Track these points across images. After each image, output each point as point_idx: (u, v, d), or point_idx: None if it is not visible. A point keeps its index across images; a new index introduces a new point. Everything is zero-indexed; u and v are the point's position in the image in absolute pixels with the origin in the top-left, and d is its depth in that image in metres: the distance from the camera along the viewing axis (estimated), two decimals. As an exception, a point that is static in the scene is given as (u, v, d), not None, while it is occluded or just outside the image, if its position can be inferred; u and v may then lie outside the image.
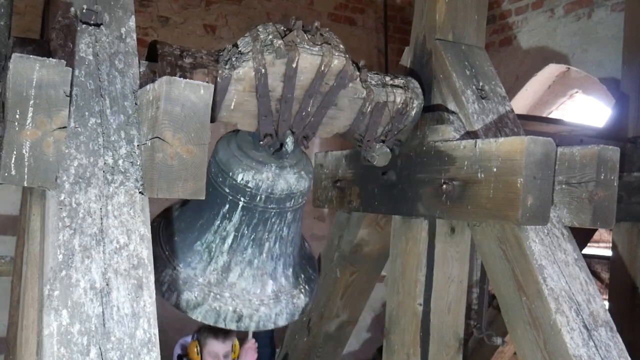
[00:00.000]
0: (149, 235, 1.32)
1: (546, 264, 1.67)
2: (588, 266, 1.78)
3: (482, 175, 1.72)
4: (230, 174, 1.91)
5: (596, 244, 4.90)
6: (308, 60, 1.71)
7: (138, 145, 1.40)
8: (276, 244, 2.04)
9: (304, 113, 1.81)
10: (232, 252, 2.00)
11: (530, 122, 2.94)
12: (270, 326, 2.05)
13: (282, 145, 1.87)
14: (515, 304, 1.74)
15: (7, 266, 2.97)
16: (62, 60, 1.27)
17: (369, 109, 1.90)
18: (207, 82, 1.58)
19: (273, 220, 1.99)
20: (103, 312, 1.19)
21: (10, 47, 1.63)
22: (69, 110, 1.33)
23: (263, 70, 1.67)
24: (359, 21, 5.79)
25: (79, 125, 1.36)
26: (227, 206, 1.96)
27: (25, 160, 1.26)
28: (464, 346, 2.18)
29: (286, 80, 1.72)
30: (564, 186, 1.72)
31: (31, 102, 1.25)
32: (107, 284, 1.22)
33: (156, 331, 1.22)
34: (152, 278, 1.27)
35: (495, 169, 1.68)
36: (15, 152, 1.25)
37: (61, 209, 1.26)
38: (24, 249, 1.71)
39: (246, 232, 1.98)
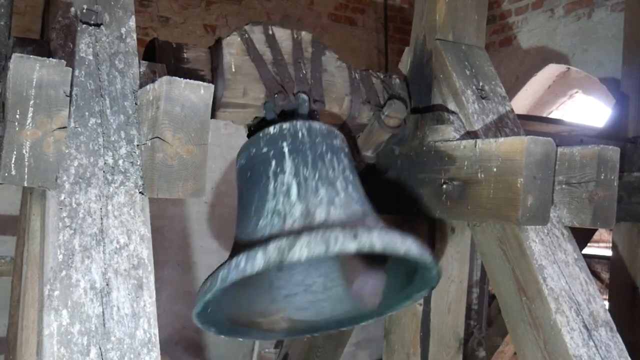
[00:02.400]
0: (149, 235, 1.32)
1: (546, 264, 1.68)
2: (588, 266, 1.78)
3: (482, 175, 1.72)
4: (261, 135, 1.70)
5: (596, 244, 4.90)
6: (281, 32, 1.92)
7: (138, 145, 1.40)
8: (347, 184, 1.69)
9: (301, 75, 1.88)
10: (304, 199, 1.60)
11: (530, 122, 2.94)
12: (397, 246, 1.47)
13: (293, 111, 1.84)
14: (515, 304, 1.74)
15: (7, 266, 2.98)
16: (62, 60, 1.28)
17: (357, 76, 2.02)
18: (200, 54, 1.82)
19: (329, 156, 1.69)
20: (103, 312, 1.19)
21: (10, 47, 1.63)
22: (69, 110, 1.33)
23: (246, 35, 1.86)
24: (359, 21, 5.79)
25: (79, 125, 1.36)
26: (274, 161, 1.66)
27: (26, 160, 1.26)
28: (464, 346, 2.18)
29: (270, 45, 1.88)
30: (564, 186, 1.72)
31: (31, 102, 1.25)
32: (107, 284, 1.22)
33: (156, 331, 1.22)
34: (152, 278, 1.27)
35: (495, 169, 1.68)
36: (15, 152, 1.25)
37: (61, 209, 1.26)
38: (24, 249, 1.71)
39: (308, 173, 1.64)
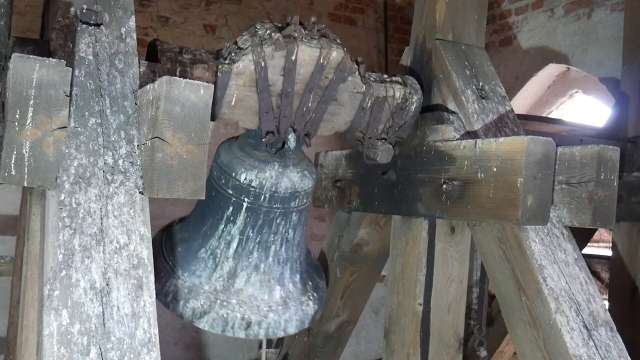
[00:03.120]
0: (149, 235, 1.32)
1: (546, 263, 1.68)
2: (588, 266, 1.78)
3: (482, 175, 1.72)
4: (233, 174, 1.88)
5: (596, 244, 4.90)
6: (307, 53, 1.72)
7: (138, 145, 1.40)
8: (282, 247, 1.99)
9: (304, 109, 1.80)
10: (237, 257, 1.95)
11: (530, 122, 2.95)
12: (280, 333, 1.99)
13: (284, 144, 1.86)
14: (515, 304, 1.74)
15: (7, 266, 2.97)
16: (62, 60, 1.28)
17: (369, 104, 1.90)
18: (207, 76, 1.65)
19: (278, 221, 1.95)
20: (103, 312, 1.19)
21: (10, 47, 1.63)
22: (69, 110, 1.33)
23: (263, 63, 1.67)
24: (359, 21, 5.80)
25: (79, 125, 1.36)
26: (231, 208, 1.92)
27: (25, 160, 1.26)
28: (464, 346, 2.18)
29: (286, 74, 1.71)
30: (564, 186, 1.72)
31: (31, 102, 1.25)
32: (107, 284, 1.22)
33: (156, 331, 1.22)
34: (152, 278, 1.27)
35: (495, 169, 1.68)
36: (15, 152, 1.25)
37: (61, 208, 1.26)
38: (24, 249, 1.71)
39: (251, 234, 1.93)
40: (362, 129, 1.96)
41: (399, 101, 1.96)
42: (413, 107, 2.00)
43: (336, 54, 1.75)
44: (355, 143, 2.03)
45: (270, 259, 1.98)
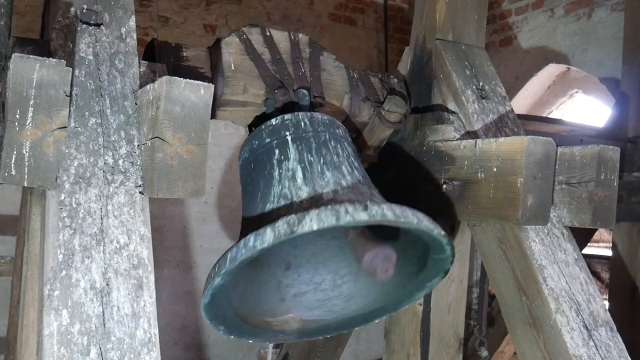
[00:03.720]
0: (149, 235, 1.32)
1: (546, 263, 1.68)
2: (588, 266, 1.78)
3: (482, 175, 1.72)
4: (263, 127, 1.70)
5: (596, 244, 4.90)
6: (278, 33, 1.94)
7: (138, 145, 1.40)
8: (353, 170, 1.66)
9: (300, 73, 1.90)
10: (311, 181, 1.58)
11: (530, 122, 2.94)
12: (409, 218, 1.42)
13: (294, 105, 1.84)
14: (515, 304, 1.74)
15: (7, 266, 2.97)
16: (62, 60, 1.28)
17: (355, 75, 2.03)
18: (200, 52, 1.83)
19: (333, 144, 1.68)
20: (103, 312, 1.19)
21: (10, 47, 1.63)
22: (69, 110, 1.33)
23: (244, 36, 1.87)
24: (359, 21, 5.79)
25: (79, 125, 1.36)
26: (277, 150, 1.65)
27: (26, 160, 1.26)
28: (464, 346, 2.18)
29: (268, 46, 1.89)
30: (564, 186, 1.72)
31: (31, 102, 1.25)
32: (107, 284, 1.22)
33: (156, 331, 1.22)
34: (152, 278, 1.27)
35: (495, 169, 1.68)
36: (15, 152, 1.25)
37: (61, 208, 1.26)
38: (24, 248, 1.71)
39: (313, 158, 1.62)
40: (363, 96, 2.01)
41: (379, 74, 2.15)
42: (396, 79, 2.09)
43: (302, 35, 1.98)
44: (370, 115, 2.04)
45: (348, 176, 1.63)
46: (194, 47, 1.86)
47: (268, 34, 1.92)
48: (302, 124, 1.68)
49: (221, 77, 1.78)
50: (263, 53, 1.88)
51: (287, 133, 1.67)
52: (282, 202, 1.56)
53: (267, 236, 1.32)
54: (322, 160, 1.63)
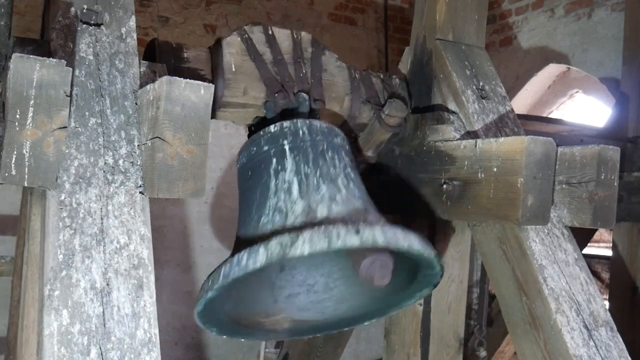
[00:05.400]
0: (149, 235, 1.32)
1: (546, 263, 1.68)
2: (588, 266, 1.78)
3: (483, 175, 1.72)
4: (262, 133, 1.70)
5: (596, 244, 4.90)
6: (280, 31, 1.92)
7: (138, 145, 1.40)
8: (350, 183, 1.67)
9: (301, 74, 1.89)
10: (306, 195, 1.59)
11: (530, 122, 2.94)
12: (400, 241, 1.44)
13: (294, 110, 1.85)
14: (515, 304, 1.74)
15: (7, 266, 2.97)
16: (63, 60, 1.28)
17: (357, 76, 2.02)
18: (201, 53, 1.81)
19: (330, 154, 1.69)
20: (103, 312, 1.19)
21: (11, 47, 1.63)
22: (69, 110, 1.33)
23: (246, 35, 1.86)
24: (359, 21, 5.79)
25: (79, 125, 1.36)
26: (275, 159, 1.66)
27: (26, 160, 1.26)
28: (464, 346, 2.18)
29: (270, 45, 1.88)
30: (564, 186, 1.72)
31: (31, 102, 1.25)
32: (107, 284, 1.22)
33: (156, 331, 1.22)
34: (152, 278, 1.27)
35: (495, 169, 1.68)
36: (15, 152, 1.25)
37: (61, 209, 1.26)
38: (25, 249, 1.71)
39: (309, 170, 1.63)
40: (364, 98, 2.01)
41: (381, 75, 2.14)
42: (398, 80, 2.09)
43: (305, 34, 1.96)
44: (370, 117, 2.05)
45: (344, 190, 1.64)
46: (194, 47, 1.85)
47: (270, 32, 1.90)
48: (301, 132, 1.68)
49: (221, 79, 1.78)
50: (264, 53, 1.87)
51: (285, 142, 1.67)
52: (277, 217, 1.58)
53: (260, 256, 1.35)
54: (318, 173, 1.64)
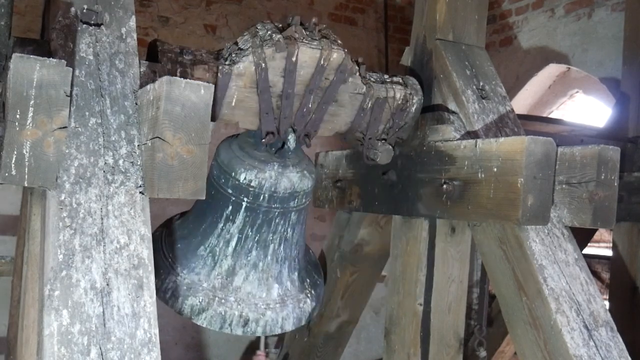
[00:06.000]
0: (149, 235, 1.32)
1: (546, 264, 1.67)
2: (588, 266, 1.78)
3: (483, 175, 1.72)
4: (233, 174, 1.89)
5: (596, 244, 4.90)
6: (307, 54, 1.72)
7: (138, 145, 1.40)
8: (281, 246, 2.01)
9: (305, 109, 1.81)
10: (236, 255, 1.96)
11: (530, 122, 2.94)
12: (277, 331, 2.02)
13: (284, 144, 1.87)
14: (515, 304, 1.74)
15: (8, 266, 2.97)
16: (63, 60, 1.28)
17: (369, 105, 1.90)
18: (208, 77, 1.65)
19: (277, 220, 1.96)
20: (103, 312, 1.19)
21: (11, 47, 1.63)
22: (70, 110, 1.33)
23: (263, 64, 1.68)
24: (360, 21, 5.79)
25: (80, 125, 1.36)
26: (230, 207, 1.93)
27: (26, 160, 1.26)
28: (465, 346, 2.18)
29: (286, 75, 1.72)
30: (564, 186, 1.72)
31: (31, 102, 1.25)
32: (107, 284, 1.22)
33: (156, 331, 1.22)
34: (152, 278, 1.27)
35: (495, 169, 1.68)
36: (15, 152, 1.25)
37: (61, 209, 1.26)
38: (25, 249, 1.71)
39: (250, 233, 1.95)
40: (362, 130, 1.96)
41: (399, 102, 1.96)
42: (413, 109, 2.00)
43: (337, 55, 1.76)
44: (355, 143, 2.03)
45: (269, 257, 1.99)
46: (204, 66, 1.66)
47: (294, 59, 1.69)
48: (262, 197, 1.90)
49: (217, 114, 1.72)
50: (275, 85, 1.73)
51: (246, 200, 1.91)
52: (209, 261, 1.96)
53: (178, 305, 1.94)
54: (256, 237, 1.96)
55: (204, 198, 1.39)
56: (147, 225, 1.33)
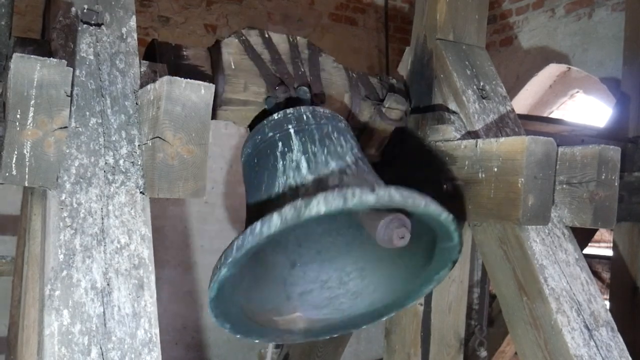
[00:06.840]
0: (149, 235, 1.32)
1: (547, 263, 1.67)
2: (589, 266, 1.78)
3: (483, 175, 1.72)
4: (265, 121, 1.71)
5: (597, 244, 4.90)
6: (277, 36, 1.95)
7: (139, 145, 1.40)
8: (358, 161, 1.67)
9: (299, 72, 1.91)
10: (315, 169, 1.59)
11: (531, 122, 2.94)
12: (416, 199, 1.41)
13: (296, 101, 1.84)
14: (516, 304, 1.74)
15: (8, 266, 2.97)
16: (63, 60, 1.28)
17: (354, 75, 2.04)
18: (200, 53, 1.82)
19: (336, 135, 1.69)
20: (104, 312, 1.19)
21: (11, 47, 1.63)
22: (70, 110, 1.33)
23: (244, 37, 1.89)
24: (360, 21, 5.79)
25: (80, 125, 1.36)
26: (280, 143, 1.65)
27: (26, 160, 1.26)
28: (465, 346, 2.18)
29: (267, 47, 1.92)
30: (564, 186, 1.72)
31: (32, 102, 1.25)
32: (108, 284, 1.22)
33: (157, 331, 1.22)
34: (152, 278, 1.27)
35: (496, 169, 1.68)
36: (16, 152, 1.25)
37: (62, 208, 1.26)
38: (25, 249, 1.71)
39: (316, 149, 1.63)
40: (362, 95, 2.02)
41: (378, 75, 2.15)
42: (394, 80, 2.10)
43: (300, 38, 2.00)
44: (369, 112, 2.04)
45: (353, 166, 1.63)
46: (193, 46, 1.87)
47: (267, 36, 1.94)
48: (305, 117, 1.69)
49: (222, 75, 1.78)
50: (262, 53, 1.90)
51: (290, 126, 1.66)
52: (288, 191, 1.54)
53: (274, 221, 1.29)
54: (325, 151, 1.62)
55: (204, 197, 1.38)
56: (148, 225, 1.33)
